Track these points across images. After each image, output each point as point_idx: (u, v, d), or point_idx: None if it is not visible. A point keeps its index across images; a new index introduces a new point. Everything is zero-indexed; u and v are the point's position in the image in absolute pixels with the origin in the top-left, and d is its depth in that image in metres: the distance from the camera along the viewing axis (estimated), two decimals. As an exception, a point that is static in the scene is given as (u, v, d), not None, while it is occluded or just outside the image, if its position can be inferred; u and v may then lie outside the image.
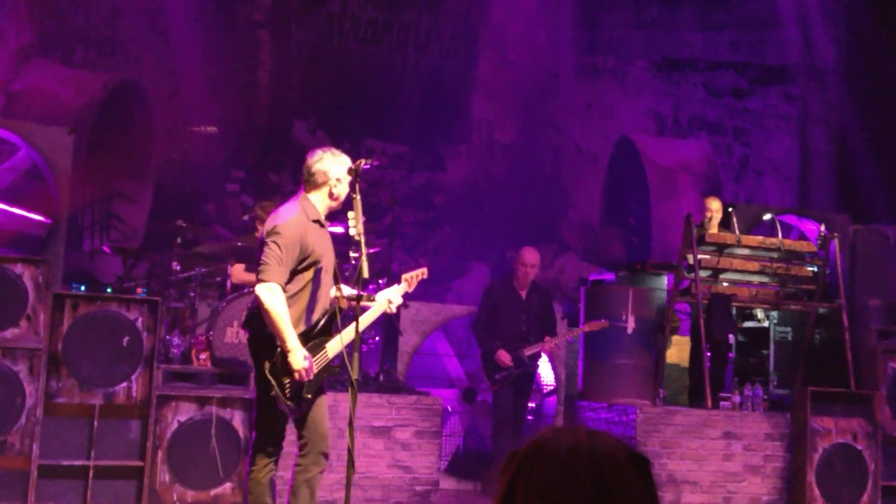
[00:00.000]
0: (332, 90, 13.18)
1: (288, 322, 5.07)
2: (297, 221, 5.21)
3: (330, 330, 5.26)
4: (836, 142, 13.92)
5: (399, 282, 5.86)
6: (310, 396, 5.13)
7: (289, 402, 5.10)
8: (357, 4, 13.40)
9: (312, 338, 5.20)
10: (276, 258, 5.12)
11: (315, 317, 5.26)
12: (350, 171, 5.17)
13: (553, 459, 1.82)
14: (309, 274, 5.21)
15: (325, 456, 5.24)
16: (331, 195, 5.33)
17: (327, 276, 5.32)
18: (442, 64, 13.85)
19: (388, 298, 5.64)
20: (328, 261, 5.33)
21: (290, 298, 5.17)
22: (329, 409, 5.33)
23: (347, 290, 5.35)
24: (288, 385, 5.09)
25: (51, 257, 7.27)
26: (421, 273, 5.90)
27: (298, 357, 5.04)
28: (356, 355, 4.98)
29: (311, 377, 5.09)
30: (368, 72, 13.40)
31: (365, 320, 5.42)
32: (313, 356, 5.14)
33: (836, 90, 13.93)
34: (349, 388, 4.94)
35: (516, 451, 1.89)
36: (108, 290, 8.56)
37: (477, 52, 14.14)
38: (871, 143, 12.85)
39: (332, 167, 5.30)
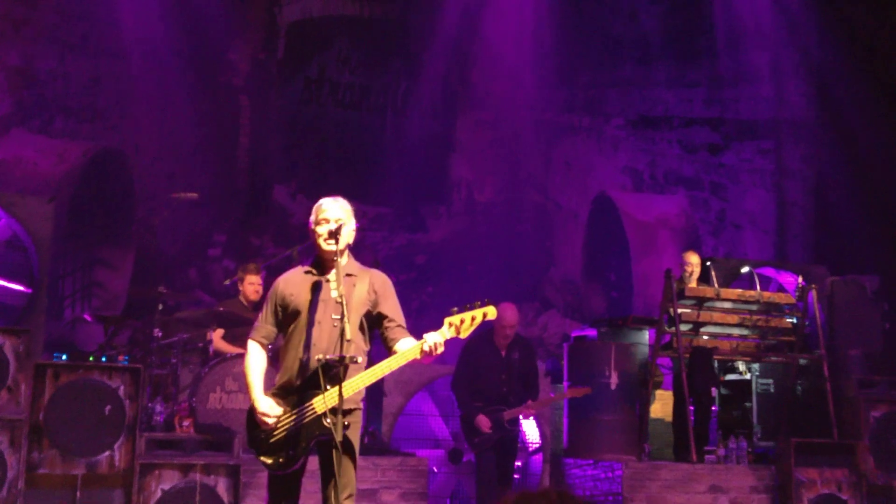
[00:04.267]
0: (312, 154, 13.28)
1: (253, 375, 5.12)
2: (284, 277, 5.28)
3: (322, 384, 4.93)
4: (811, 194, 14.07)
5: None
6: (292, 453, 4.96)
7: (262, 459, 5.01)
8: (335, 69, 13.56)
9: (295, 391, 5.04)
10: (261, 316, 5.27)
11: (306, 369, 5.04)
12: (331, 235, 5.12)
13: None
14: (294, 325, 5.13)
15: None
16: (315, 245, 5.23)
17: (315, 328, 5.06)
18: (421, 126, 13.98)
19: (424, 338, 4.92)
20: (317, 311, 5.08)
21: (284, 351, 5.17)
22: (314, 473, 5.21)
23: (408, 343, 5.02)
24: (262, 438, 5.02)
25: (32, 327, 7.26)
26: (480, 314, 4.98)
27: (258, 406, 5.00)
28: (340, 417, 4.85)
29: (270, 427, 4.96)
30: (348, 135, 13.52)
31: (387, 366, 4.98)
32: (293, 409, 5.00)
33: (809, 143, 14.12)
34: (334, 451, 4.86)
35: None
36: (90, 358, 8.54)
37: (455, 114, 14.29)
38: (845, 195, 13.00)
39: (311, 216, 5.25)
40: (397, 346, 5.05)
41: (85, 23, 11.89)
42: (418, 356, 4.93)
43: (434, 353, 4.90)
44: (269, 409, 4.99)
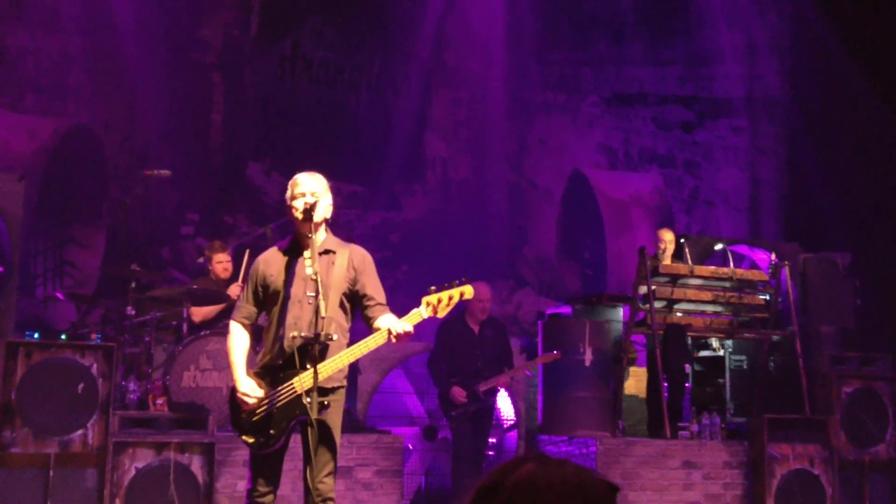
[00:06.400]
0: (286, 132, 13.20)
1: (234, 356, 5.11)
2: (263, 256, 5.26)
3: (303, 363, 4.91)
4: (783, 172, 14.15)
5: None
6: (273, 433, 4.95)
7: (244, 438, 5.02)
8: (309, 46, 13.46)
9: (277, 370, 5.02)
10: (242, 296, 5.27)
11: (286, 348, 5.01)
12: (304, 211, 5.06)
13: (548, 490, 1.97)
14: (273, 304, 5.12)
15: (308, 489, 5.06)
16: (293, 220, 5.15)
17: (295, 306, 5.03)
18: (395, 103, 13.93)
19: (389, 328, 4.88)
20: (296, 289, 5.05)
21: (266, 330, 5.17)
22: (288, 450, 5.20)
23: (386, 321, 4.98)
24: (244, 418, 5.01)
25: (3, 305, 7.20)
26: (457, 293, 4.93)
27: (240, 387, 4.99)
28: (315, 395, 4.82)
29: (250, 408, 4.95)
30: (322, 113, 13.44)
31: (359, 349, 4.96)
32: (274, 388, 4.99)
33: (782, 122, 14.18)
34: (308, 429, 4.85)
35: (500, 483, 2.00)
36: (63, 337, 8.47)
37: (430, 91, 14.24)
38: (818, 173, 13.07)
39: (286, 192, 5.19)
40: (377, 324, 5.03)
41: (55, -1, 11.76)
42: (394, 340, 4.90)
43: (404, 339, 4.89)
44: (251, 390, 4.98)
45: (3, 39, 11.46)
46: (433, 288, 4.95)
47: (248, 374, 5.06)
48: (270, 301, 5.15)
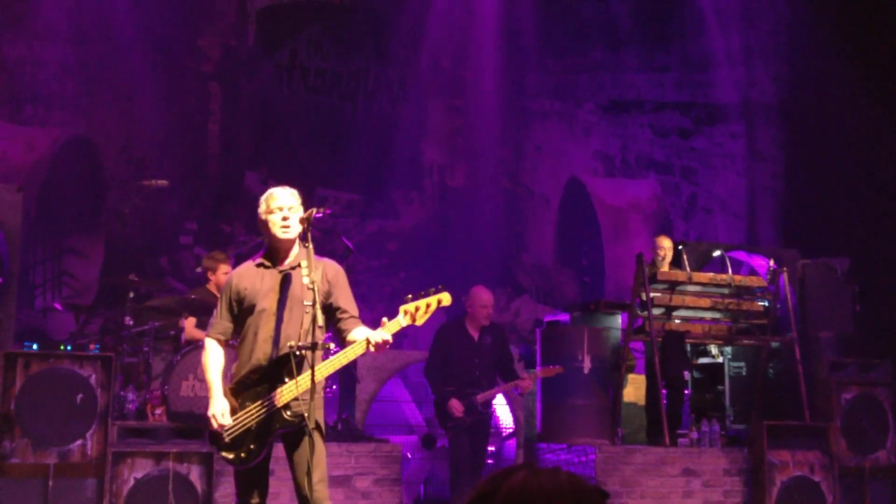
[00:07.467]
0: (283, 140, 13.22)
1: (211, 372, 5.08)
2: (237, 271, 5.23)
3: (282, 376, 4.92)
4: (781, 178, 14.16)
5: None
6: (253, 447, 4.92)
7: (224, 454, 4.99)
8: (305, 55, 13.49)
9: (253, 384, 4.99)
10: (217, 312, 5.21)
11: (264, 362, 4.99)
12: (302, 221, 5.05)
13: (540, 497, 1.99)
14: (250, 318, 5.07)
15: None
16: (269, 235, 5.14)
17: (272, 320, 5.02)
18: (392, 111, 13.96)
19: (367, 337, 4.87)
20: (273, 303, 5.04)
21: (240, 345, 5.13)
22: (284, 460, 5.17)
23: (361, 333, 4.98)
24: (222, 434, 4.97)
25: (2, 316, 7.19)
26: (435, 301, 4.98)
27: (211, 407, 4.95)
28: (312, 403, 4.82)
29: (217, 426, 4.91)
30: (319, 121, 13.47)
31: (334, 364, 4.97)
32: (252, 403, 4.96)
33: (779, 127, 14.19)
34: (307, 438, 4.84)
35: (492, 492, 2.01)
36: (62, 347, 8.46)
37: (426, 99, 14.27)
38: (815, 178, 13.07)
39: (259, 207, 5.19)
40: (351, 336, 5.03)
41: (53, 10, 11.77)
42: (372, 349, 4.90)
43: (382, 348, 4.89)
44: (221, 415, 4.93)
45: (0, 50, 11.48)
46: (410, 296, 4.97)
47: (225, 390, 5.04)
48: (245, 315, 5.11)
